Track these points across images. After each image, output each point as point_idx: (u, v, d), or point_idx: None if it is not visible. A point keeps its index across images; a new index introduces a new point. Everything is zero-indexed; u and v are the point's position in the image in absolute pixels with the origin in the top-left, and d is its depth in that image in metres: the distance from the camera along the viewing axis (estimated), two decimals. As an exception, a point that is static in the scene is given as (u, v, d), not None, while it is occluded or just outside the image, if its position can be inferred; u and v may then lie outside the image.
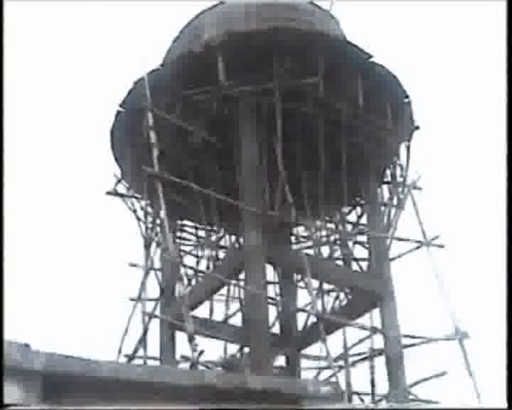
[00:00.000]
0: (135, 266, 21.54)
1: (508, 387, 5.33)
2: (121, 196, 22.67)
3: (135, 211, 22.55)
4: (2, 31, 4.73)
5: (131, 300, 20.48)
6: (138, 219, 22.38)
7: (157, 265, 21.88)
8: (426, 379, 20.70)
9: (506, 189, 5.40)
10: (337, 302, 22.47)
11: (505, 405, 5.17)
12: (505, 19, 5.89)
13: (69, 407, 4.16)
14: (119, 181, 22.54)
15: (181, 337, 20.50)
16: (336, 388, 4.77)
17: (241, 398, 4.61)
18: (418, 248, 21.62)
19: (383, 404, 21.10)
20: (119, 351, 19.42)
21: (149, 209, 22.22)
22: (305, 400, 4.66)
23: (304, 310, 22.41)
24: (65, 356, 4.27)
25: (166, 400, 4.49)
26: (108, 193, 22.52)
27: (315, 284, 21.51)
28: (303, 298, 23.44)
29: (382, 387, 21.16)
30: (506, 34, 5.81)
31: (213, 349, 21.79)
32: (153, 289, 21.60)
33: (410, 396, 20.29)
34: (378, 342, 21.48)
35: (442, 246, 21.43)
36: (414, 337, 20.70)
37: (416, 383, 20.64)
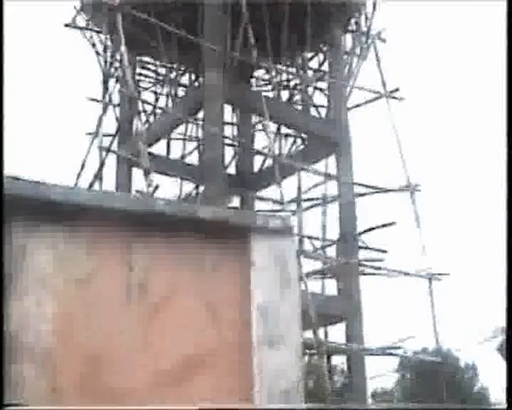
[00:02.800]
0: (93, 100, 21.31)
1: (508, 387, 5.44)
2: (80, 28, 22.13)
3: (94, 45, 22.09)
4: (1, 31, 4.43)
5: (89, 134, 20.37)
6: (97, 53, 21.95)
7: (115, 100, 21.67)
8: (375, 228, 21.19)
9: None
10: (294, 147, 22.63)
11: (505, 405, 5.30)
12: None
13: (70, 407, 4.17)
14: (78, 13, 21.94)
15: (137, 175, 20.59)
16: (286, 222, 4.85)
17: (190, 227, 4.68)
18: (377, 99, 21.65)
19: (333, 249, 21.63)
20: (75, 185, 19.44)
21: (109, 43, 21.77)
22: (252, 232, 4.74)
23: (260, 152, 22.54)
24: (14, 177, 4.25)
25: (116, 225, 4.53)
26: (67, 25, 21.96)
27: (273, 127, 21.57)
28: (260, 141, 23.56)
29: (333, 233, 21.65)
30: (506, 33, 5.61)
31: (169, 187, 21.95)
32: (111, 125, 21.49)
33: (360, 243, 20.81)
34: (332, 189, 21.83)
35: (401, 99, 21.48)
36: (367, 186, 21.01)
37: (365, 231, 21.13)
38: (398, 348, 20.38)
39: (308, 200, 22.32)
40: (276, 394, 4.72)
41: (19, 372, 4.07)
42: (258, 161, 23.39)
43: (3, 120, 4.46)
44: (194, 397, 4.50)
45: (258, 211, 23.15)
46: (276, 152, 21.02)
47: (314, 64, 23.57)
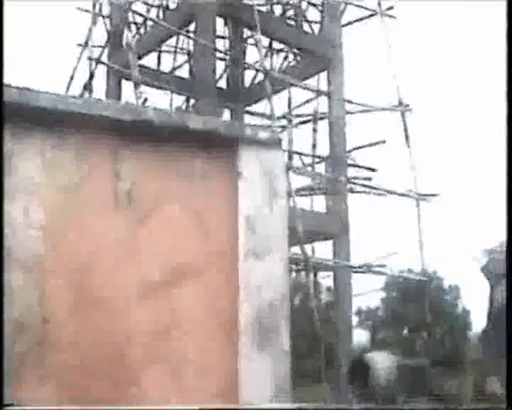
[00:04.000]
0: (83, 11, 20.95)
1: (508, 387, 5.45)
2: None
3: (83, -48, 21.57)
4: (1, 30, 4.26)
5: (78, 46, 20.07)
6: (87, -38, 21.46)
7: (106, 11, 21.30)
8: (365, 146, 21.15)
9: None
10: (285, 63, 22.39)
11: (505, 405, 5.30)
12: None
13: (73, 407, 4.13)
14: None
15: (127, 87, 20.39)
16: (274, 135, 4.83)
17: (179, 137, 4.65)
18: (372, 16, 21.35)
19: (323, 166, 21.64)
20: (64, 95, 19.17)
21: (98, -51, 21.26)
22: (241, 143, 4.72)
23: (252, 67, 22.27)
24: (3, 84, 4.19)
25: (105, 133, 4.50)
26: None
27: (265, 42, 21.30)
28: (252, 56, 23.27)
29: (323, 150, 21.60)
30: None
31: (159, 100, 21.76)
32: (100, 36, 21.16)
33: (349, 160, 20.79)
34: (323, 106, 21.69)
35: (395, 17, 21.23)
36: (358, 104, 20.88)
37: (355, 149, 21.09)
38: (384, 266, 20.55)
39: (299, 116, 22.19)
40: (262, 304, 4.77)
41: (7, 279, 4.08)
42: (249, 76, 23.20)
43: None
44: (182, 304, 4.55)
45: (248, 124, 22.97)
46: (268, 67, 20.78)
47: (308, -22, 23.16)
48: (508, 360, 5.99)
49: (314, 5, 22.34)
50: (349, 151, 20.77)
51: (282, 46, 22.41)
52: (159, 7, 22.14)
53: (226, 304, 4.70)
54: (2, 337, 3.96)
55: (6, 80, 4.24)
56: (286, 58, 22.36)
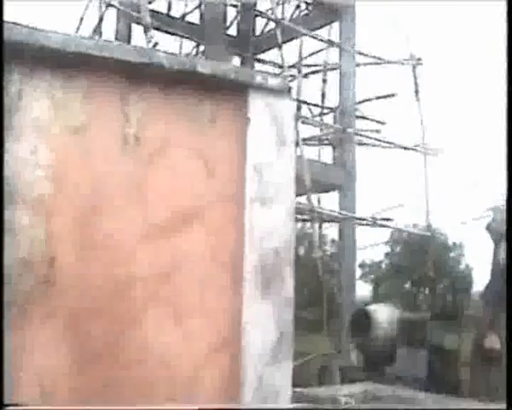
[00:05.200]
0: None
1: (508, 387, 5.44)
2: None
3: None
4: (1, 29, 4.16)
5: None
6: None
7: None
8: (375, 98, 21.10)
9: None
10: (297, 12, 22.23)
11: (505, 405, 5.30)
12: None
13: (73, 408, 4.12)
14: None
15: (137, 31, 20.28)
16: (284, 82, 4.82)
17: (189, 82, 4.64)
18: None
19: (331, 117, 21.59)
20: (73, 37, 19.01)
21: None
22: (250, 89, 4.71)
23: (263, 15, 22.13)
24: (12, 23, 4.16)
25: (114, 75, 4.48)
26: None
27: (276, -9, 21.13)
28: (263, 4, 23.12)
29: (332, 101, 21.55)
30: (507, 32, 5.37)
31: (169, 46, 21.69)
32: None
33: (357, 113, 20.75)
34: (333, 57, 21.58)
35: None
36: (369, 56, 20.77)
37: (364, 101, 21.04)
38: (390, 219, 20.59)
39: (308, 66, 22.09)
40: (267, 252, 4.79)
41: (12, 219, 4.10)
42: (260, 25, 23.06)
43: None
44: (187, 247, 4.57)
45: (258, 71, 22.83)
46: (279, 15, 20.63)
47: None
48: (508, 360, 6.04)
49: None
50: (358, 103, 20.74)
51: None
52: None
53: (231, 249, 4.73)
54: (2, 340, 3.92)
55: (15, 20, 4.21)
56: (298, 7, 22.24)
